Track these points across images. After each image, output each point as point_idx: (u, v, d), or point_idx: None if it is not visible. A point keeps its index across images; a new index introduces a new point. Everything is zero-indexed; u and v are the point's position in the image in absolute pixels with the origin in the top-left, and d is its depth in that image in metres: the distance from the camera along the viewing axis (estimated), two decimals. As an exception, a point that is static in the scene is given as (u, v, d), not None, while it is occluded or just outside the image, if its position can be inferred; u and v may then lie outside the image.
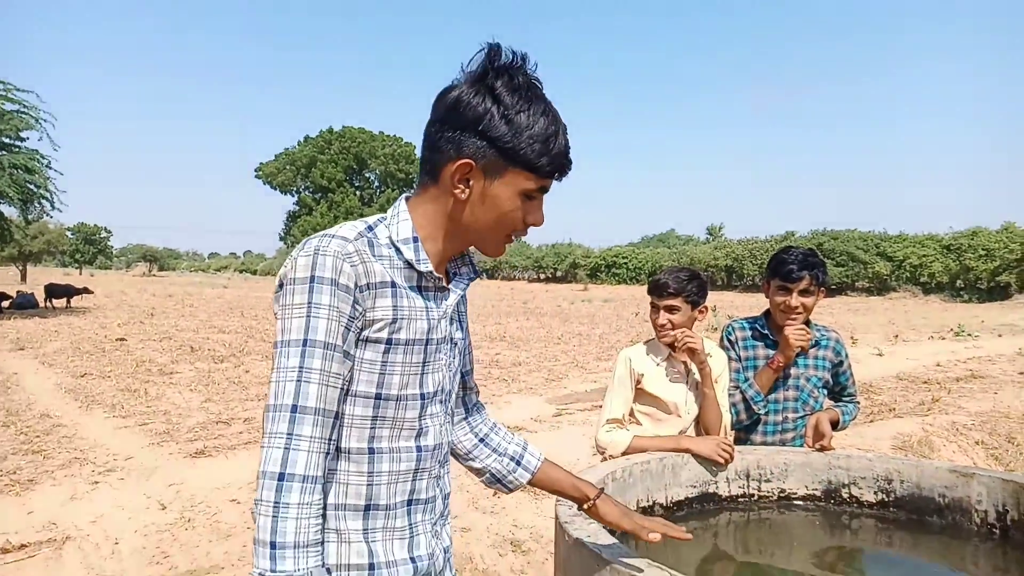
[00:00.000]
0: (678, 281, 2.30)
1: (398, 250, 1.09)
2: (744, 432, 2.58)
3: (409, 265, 1.09)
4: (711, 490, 2.28)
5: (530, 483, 1.38)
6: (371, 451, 1.07)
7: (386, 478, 1.08)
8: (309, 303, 0.99)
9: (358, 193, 40.32)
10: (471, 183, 1.08)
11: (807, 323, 2.54)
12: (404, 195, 1.18)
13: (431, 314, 1.11)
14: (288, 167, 39.56)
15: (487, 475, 1.38)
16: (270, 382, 1.00)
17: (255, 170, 40.09)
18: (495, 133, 1.04)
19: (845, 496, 2.30)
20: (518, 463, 1.37)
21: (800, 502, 2.32)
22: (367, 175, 41.53)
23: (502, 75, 1.05)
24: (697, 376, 2.38)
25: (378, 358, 1.05)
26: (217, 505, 4.32)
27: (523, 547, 3.75)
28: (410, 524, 1.12)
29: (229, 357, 10.61)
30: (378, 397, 1.06)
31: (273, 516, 0.94)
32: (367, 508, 1.07)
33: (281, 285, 1.03)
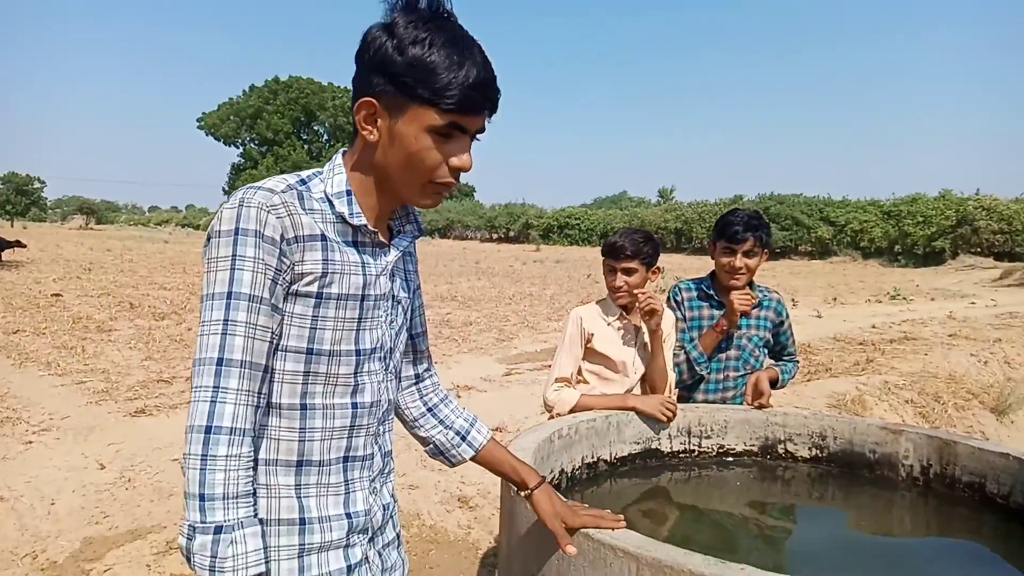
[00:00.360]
0: (635, 244, 2.32)
1: (331, 204, 1.07)
2: (687, 390, 2.64)
3: (342, 219, 1.07)
4: (654, 446, 2.33)
5: (473, 460, 1.38)
6: (303, 407, 1.06)
7: (319, 434, 1.08)
8: (233, 255, 0.97)
9: (306, 147, 39.17)
10: (378, 123, 1.05)
11: (751, 284, 2.59)
12: (342, 149, 1.16)
13: (368, 270, 1.10)
14: (232, 118, 38.09)
15: (431, 446, 1.38)
16: (198, 336, 0.99)
17: (197, 120, 38.62)
18: (392, 68, 1.01)
19: (781, 452, 2.38)
20: (463, 438, 1.36)
21: (738, 457, 2.40)
22: (316, 128, 40.34)
23: (402, 8, 1.02)
24: (646, 337, 2.42)
25: (308, 312, 1.04)
26: (159, 465, 4.25)
27: (470, 503, 3.80)
28: (346, 480, 1.12)
29: (170, 314, 10.34)
30: (309, 352, 1.05)
31: (201, 469, 0.94)
32: (299, 464, 1.07)
33: (209, 239, 1.01)
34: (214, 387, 0.96)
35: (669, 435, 2.36)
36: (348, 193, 1.09)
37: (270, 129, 36.73)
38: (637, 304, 2.33)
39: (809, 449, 2.36)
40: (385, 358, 1.16)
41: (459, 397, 5.72)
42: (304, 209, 1.04)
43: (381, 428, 1.19)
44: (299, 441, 1.07)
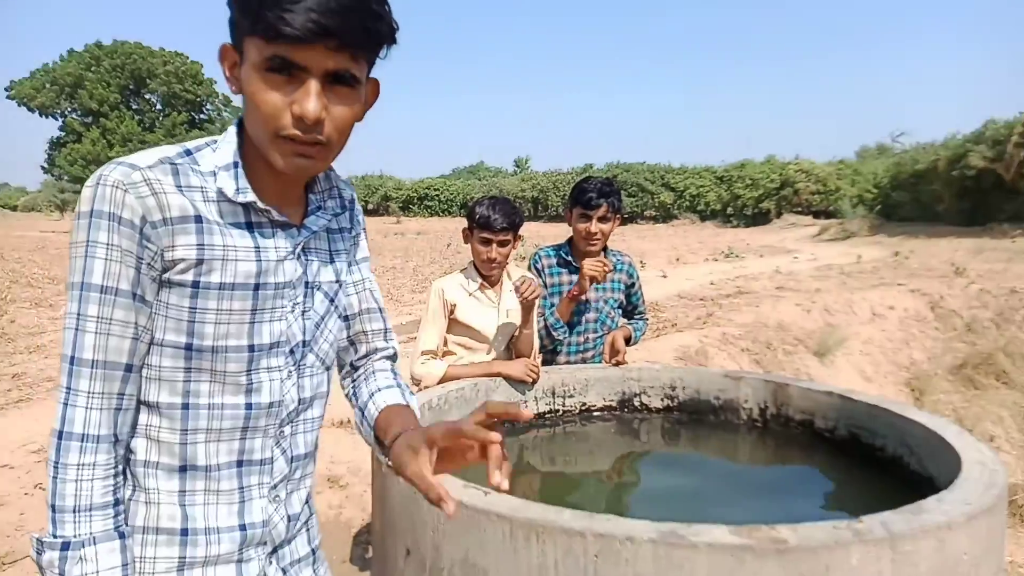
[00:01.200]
0: (508, 216, 2.35)
1: (216, 178, 0.92)
2: (550, 354, 2.75)
3: (225, 197, 0.92)
4: (521, 410, 2.41)
5: (380, 441, 1.08)
6: (185, 406, 0.94)
7: (203, 435, 0.95)
8: (87, 241, 0.86)
9: (137, 117, 35.91)
10: (237, 71, 0.89)
11: (605, 249, 2.72)
12: (241, 114, 0.97)
13: (264, 255, 0.94)
14: (49, 86, 34.03)
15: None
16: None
17: (6, 89, 34.17)
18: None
19: (637, 405, 2.54)
20: (363, 413, 1.12)
21: (599, 413, 2.54)
22: (147, 96, 36.94)
23: None
24: (507, 305, 2.48)
25: (185, 304, 0.91)
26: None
27: (340, 482, 3.75)
28: (240, 488, 0.99)
29: (-14, 306, 9.28)
30: (188, 348, 0.92)
31: (53, 477, 0.87)
32: (183, 468, 0.96)
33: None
34: (66, 388, 0.88)
35: (535, 397, 2.45)
36: (235, 165, 0.93)
37: (94, 99, 33.18)
38: (519, 294, 2.38)
39: (662, 400, 2.53)
40: (295, 352, 1.01)
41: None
42: (179, 186, 0.89)
43: (287, 429, 1.03)
44: (181, 444, 0.95)
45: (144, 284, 0.89)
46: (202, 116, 38.48)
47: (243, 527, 1.00)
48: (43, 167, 37.92)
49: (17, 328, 7.86)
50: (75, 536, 0.86)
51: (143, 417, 0.95)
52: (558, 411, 2.49)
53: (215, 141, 0.96)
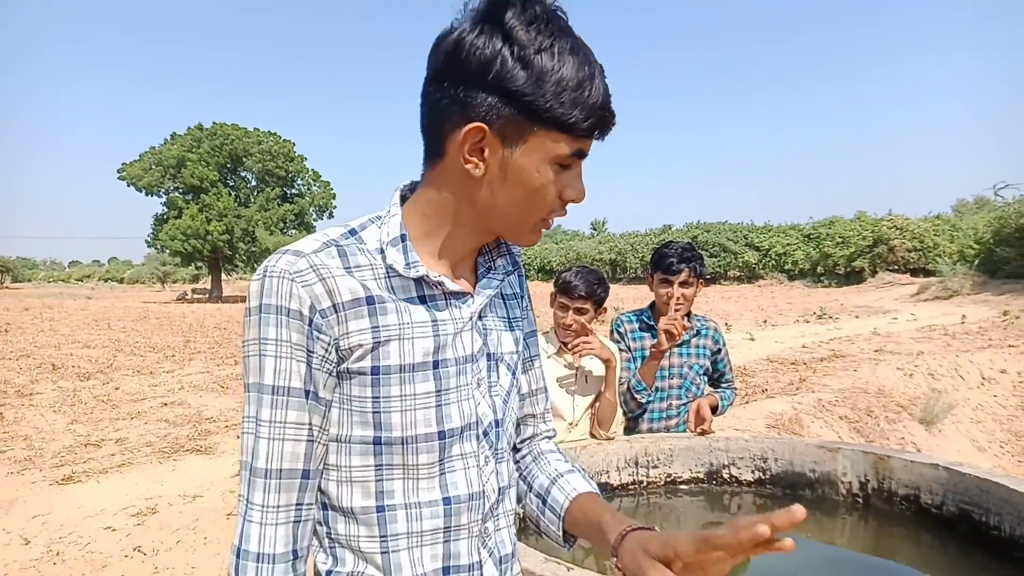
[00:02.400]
0: (589, 285, 2.38)
1: (384, 254, 0.87)
2: (632, 421, 2.68)
3: (396, 272, 0.86)
4: (603, 479, 2.35)
5: (567, 533, 0.98)
6: (380, 509, 0.86)
7: (404, 541, 0.86)
8: (257, 339, 0.81)
9: (233, 193, 38.26)
10: (486, 154, 0.83)
11: (688, 314, 2.66)
12: (398, 186, 0.95)
13: (441, 328, 0.87)
14: (155, 167, 36.76)
15: (531, 525, 1.05)
16: None
17: (118, 171, 37.10)
18: (512, 83, 0.78)
19: (726, 476, 2.43)
20: (544, 501, 1.00)
21: (685, 485, 2.44)
22: (243, 173, 39.49)
23: (513, 5, 0.79)
24: (588, 373, 2.46)
25: (367, 393, 0.84)
26: (90, 535, 4.02)
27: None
28: None
29: (96, 374, 9.88)
30: (376, 442, 0.85)
31: None
32: None
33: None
34: (244, 499, 0.83)
35: (617, 467, 2.38)
36: (402, 239, 0.87)
37: (195, 177, 35.67)
38: (572, 348, 2.39)
39: (752, 472, 2.41)
40: (488, 434, 0.92)
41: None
42: (347, 267, 0.84)
43: (490, 526, 0.93)
44: (382, 553, 0.86)
45: (318, 380, 0.83)
46: (293, 191, 40.64)
47: None
48: (147, 241, 40.66)
49: (121, 395, 8.32)
50: None
51: (341, 526, 0.88)
52: (642, 482, 2.41)
53: (379, 217, 0.91)
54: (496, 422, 0.93)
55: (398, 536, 0.86)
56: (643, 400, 2.60)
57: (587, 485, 1.00)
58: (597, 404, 2.48)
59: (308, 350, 0.82)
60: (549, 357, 2.45)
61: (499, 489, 0.95)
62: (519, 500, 1.04)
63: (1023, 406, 7.72)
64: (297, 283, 0.81)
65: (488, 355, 0.93)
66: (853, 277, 31.29)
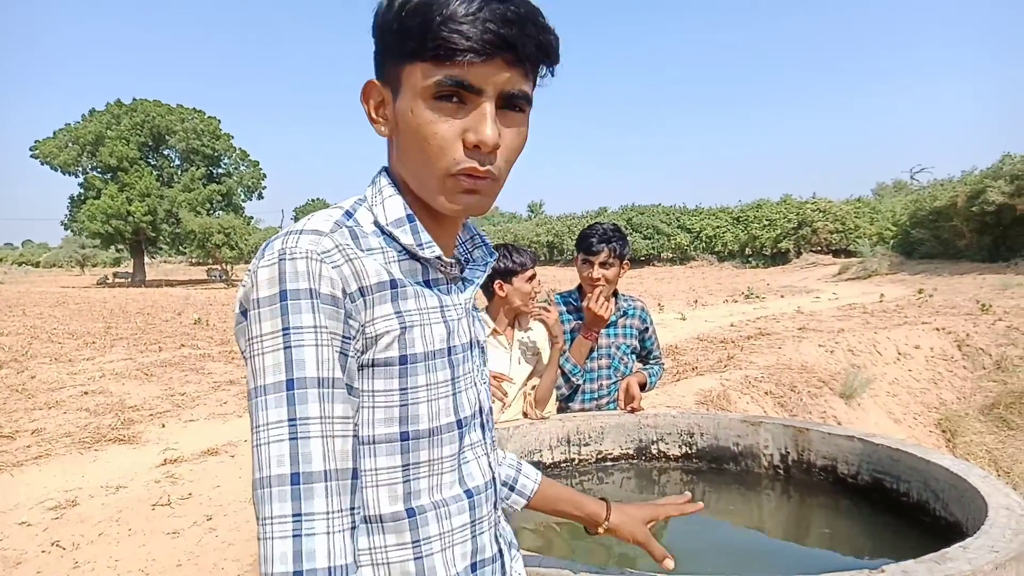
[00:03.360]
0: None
1: (390, 236, 0.81)
2: (563, 402, 2.71)
3: (410, 254, 0.82)
4: (536, 458, 2.36)
5: (529, 508, 1.15)
6: (410, 512, 0.78)
7: (437, 544, 0.80)
8: (285, 329, 0.70)
9: (156, 172, 36.62)
10: (385, 109, 0.80)
11: (615, 294, 2.70)
12: (383, 165, 0.87)
13: (448, 314, 0.83)
14: (71, 145, 34.79)
15: None
16: (252, 448, 0.71)
17: (30, 149, 35.03)
18: (381, 23, 0.76)
19: (655, 452, 2.48)
20: (512, 488, 1.13)
21: (616, 462, 2.47)
22: (165, 152, 37.78)
23: None
24: (519, 350, 2.47)
25: (395, 386, 0.77)
26: (2, 531, 3.83)
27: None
28: None
29: (9, 362, 9.39)
30: (404, 438, 0.78)
31: None
32: None
33: (244, 312, 0.74)
34: (293, 516, 0.68)
35: (550, 445, 2.40)
36: (410, 219, 0.81)
37: (114, 156, 33.92)
38: (531, 313, 2.43)
39: (680, 447, 2.47)
40: (486, 423, 0.90)
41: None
42: (363, 250, 0.77)
43: (497, 514, 0.91)
44: (415, 559, 0.78)
45: (352, 371, 0.75)
46: (219, 170, 39.21)
47: None
48: (63, 223, 38.75)
49: (37, 384, 7.95)
50: None
51: (364, 540, 0.78)
52: (574, 460, 2.44)
53: (364, 199, 0.84)
54: (490, 409, 0.92)
55: (431, 539, 0.79)
56: (577, 382, 2.63)
57: (534, 470, 1.18)
58: (532, 384, 2.49)
59: (343, 337, 0.73)
60: (488, 336, 2.44)
61: (497, 476, 0.93)
62: None
63: (934, 379, 8.17)
64: (327, 264, 0.72)
65: (477, 343, 0.91)
66: (779, 258, 32.39)
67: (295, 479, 0.68)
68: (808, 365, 7.27)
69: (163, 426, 5.98)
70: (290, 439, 0.68)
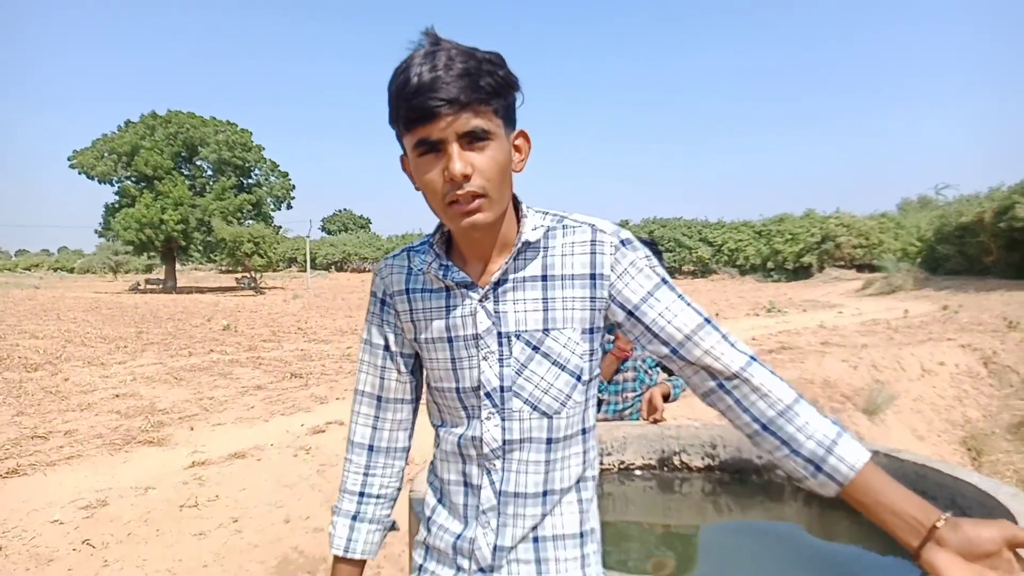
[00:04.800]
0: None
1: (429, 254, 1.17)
2: (588, 411, 2.75)
3: (422, 270, 1.17)
4: (559, 467, 2.40)
5: (846, 497, 0.99)
6: (437, 428, 1.22)
7: (439, 454, 1.22)
8: (367, 311, 1.24)
9: (189, 182, 37.17)
10: (412, 174, 1.08)
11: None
12: None
13: (452, 312, 1.13)
14: (108, 155, 35.36)
15: (785, 472, 1.06)
16: None
17: (69, 159, 35.65)
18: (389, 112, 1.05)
19: (677, 463, 2.51)
20: (819, 468, 0.99)
21: (638, 471, 2.51)
22: (198, 162, 38.37)
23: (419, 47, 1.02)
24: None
25: (423, 354, 1.19)
26: (35, 529, 3.93)
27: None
28: (464, 504, 1.18)
29: (44, 365, 9.60)
30: (429, 386, 1.21)
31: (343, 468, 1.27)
32: (436, 475, 1.24)
33: None
34: (351, 410, 1.26)
35: (573, 455, 2.44)
36: (427, 243, 1.17)
37: (148, 165, 34.46)
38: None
39: (702, 459, 2.50)
40: (490, 396, 1.12)
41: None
42: (410, 267, 1.18)
43: (497, 464, 1.13)
44: (436, 458, 1.23)
45: (388, 336, 1.21)
46: (250, 180, 39.73)
47: (457, 536, 1.17)
48: (97, 231, 39.39)
49: (70, 386, 8.12)
50: (335, 507, 1.25)
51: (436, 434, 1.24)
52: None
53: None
54: (501, 388, 1.11)
55: (439, 449, 1.22)
56: (604, 397, 2.67)
57: (859, 450, 0.98)
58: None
59: (382, 319, 1.21)
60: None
61: (504, 440, 1.12)
62: (757, 445, 1.04)
63: (960, 397, 8.06)
64: (378, 277, 1.21)
65: (499, 333, 1.10)
66: (801, 272, 32.08)
67: (354, 391, 1.27)
68: (831, 380, 7.22)
69: (191, 429, 6.08)
70: (358, 370, 1.27)
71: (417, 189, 1.07)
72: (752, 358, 1.06)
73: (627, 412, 2.73)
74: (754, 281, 33.00)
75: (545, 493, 1.12)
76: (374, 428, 1.24)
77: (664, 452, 2.52)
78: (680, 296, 1.09)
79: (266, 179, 40.15)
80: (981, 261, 20.12)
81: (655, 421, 2.56)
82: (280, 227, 41.71)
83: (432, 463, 1.26)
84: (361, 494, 1.24)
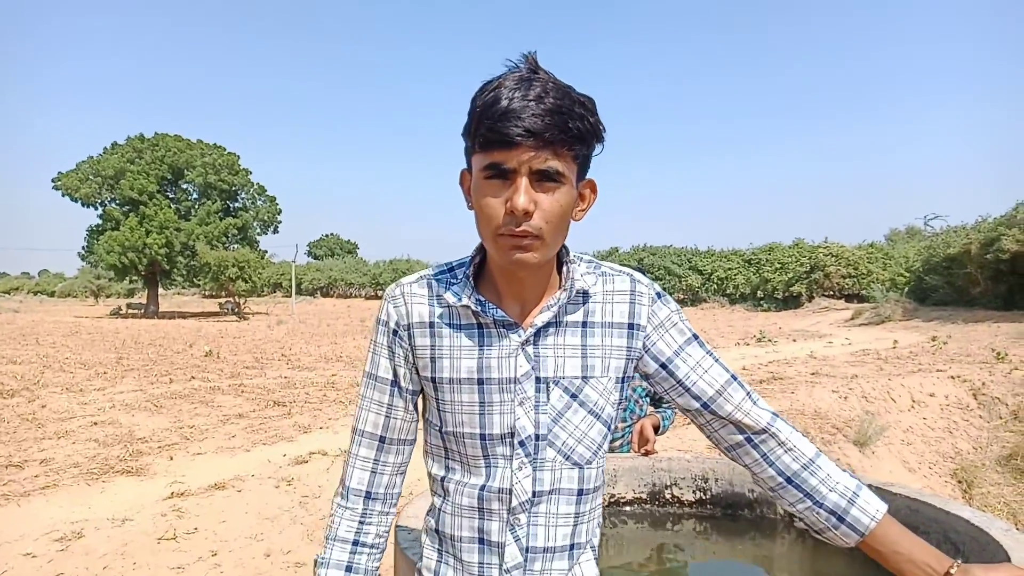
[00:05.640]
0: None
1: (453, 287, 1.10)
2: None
3: (453, 304, 1.07)
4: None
5: (865, 548, 1.08)
6: (442, 480, 1.12)
7: (451, 508, 1.11)
8: (371, 340, 1.14)
9: (174, 205, 36.98)
10: (471, 191, 1.03)
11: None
12: None
13: (486, 352, 1.05)
14: (92, 178, 35.26)
15: (804, 524, 1.13)
16: None
17: (53, 181, 35.49)
18: (465, 127, 1.00)
19: (668, 497, 2.45)
20: (841, 519, 1.07)
21: (629, 506, 2.44)
22: (184, 186, 38.21)
23: (512, 72, 0.99)
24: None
25: (432, 394, 1.10)
26: (6, 562, 3.80)
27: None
28: (480, 563, 1.09)
29: (21, 391, 9.42)
30: (440, 431, 1.11)
31: (330, 513, 1.16)
32: (438, 532, 1.14)
33: None
34: (347, 451, 1.16)
35: (561, 489, 2.37)
36: (466, 276, 1.08)
37: (134, 188, 34.33)
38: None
39: (693, 492, 2.44)
40: (525, 444, 1.06)
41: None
42: (431, 296, 1.09)
43: (522, 518, 1.08)
44: (439, 511, 1.13)
45: (399, 372, 1.12)
46: (236, 204, 39.59)
47: None
48: (80, 254, 39.11)
49: (47, 413, 7.96)
50: (320, 557, 1.14)
51: (430, 483, 1.16)
52: (586, 503, 2.41)
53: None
54: (536, 436, 1.06)
55: (448, 503, 1.11)
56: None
57: (877, 501, 1.08)
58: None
59: (392, 351, 1.11)
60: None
61: (533, 491, 1.07)
62: (776, 497, 1.12)
63: (950, 428, 8.03)
64: (391, 305, 1.11)
65: (537, 378, 1.06)
66: (791, 302, 32.24)
67: (352, 429, 1.16)
68: (821, 411, 7.19)
69: (171, 459, 5.96)
70: (358, 406, 1.16)
71: (470, 208, 1.04)
72: (775, 414, 1.13)
73: (617, 444, 2.67)
74: (744, 310, 33.11)
75: (572, 547, 1.10)
76: (373, 472, 1.14)
77: (655, 485, 2.46)
78: (709, 352, 1.15)
79: (252, 203, 39.96)
80: (969, 292, 20.28)
81: (646, 453, 2.50)
82: (266, 251, 41.47)
83: (429, 517, 1.16)
84: (355, 543, 1.14)
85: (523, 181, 0.94)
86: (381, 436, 1.13)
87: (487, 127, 0.93)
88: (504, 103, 0.93)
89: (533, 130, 0.92)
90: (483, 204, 0.97)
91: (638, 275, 1.15)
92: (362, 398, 1.14)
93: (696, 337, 1.15)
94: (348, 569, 1.13)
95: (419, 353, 1.08)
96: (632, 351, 1.11)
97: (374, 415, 1.13)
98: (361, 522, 1.14)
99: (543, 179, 0.95)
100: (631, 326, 1.10)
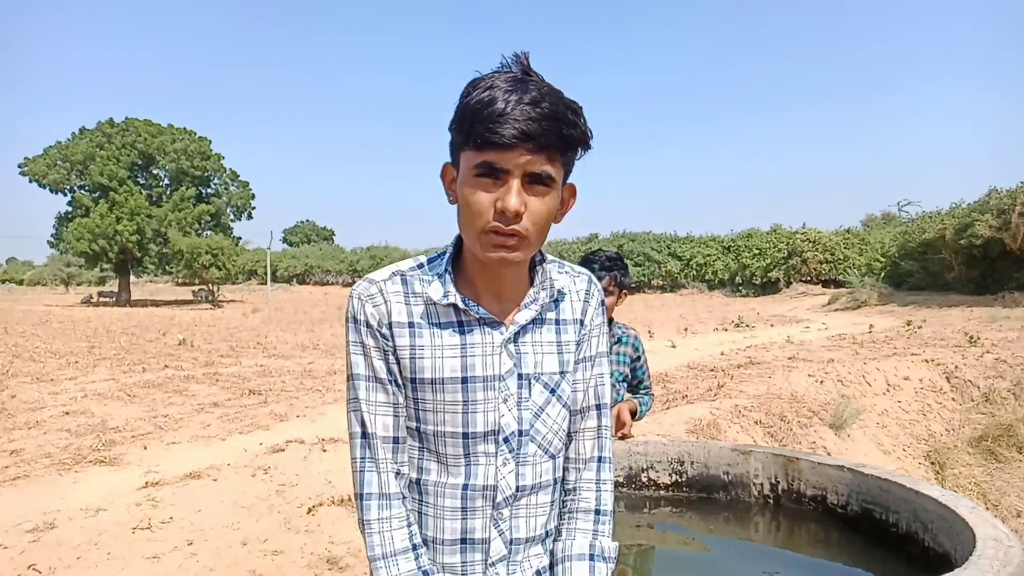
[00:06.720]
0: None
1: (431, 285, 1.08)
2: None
3: (434, 301, 1.06)
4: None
5: None
6: (419, 482, 1.10)
7: (432, 511, 1.10)
8: (348, 341, 1.08)
9: (145, 192, 36.22)
10: (453, 184, 1.04)
11: (610, 321, 2.68)
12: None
13: (470, 351, 1.06)
14: (61, 163, 34.45)
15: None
16: None
17: (19, 166, 34.66)
18: (453, 119, 1.01)
19: (644, 480, 2.46)
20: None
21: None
22: (155, 172, 37.41)
23: (499, 69, 1.02)
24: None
25: (412, 394, 1.08)
26: (-28, 555, 3.73)
27: (340, 563, 3.62)
28: (463, 562, 1.10)
29: (-10, 381, 9.25)
30: (418, 431, 1.09)
31: (366, 533, 1.06)
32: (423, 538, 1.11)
33: None
34: (353, 458, 1.07)
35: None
36: (447, 272, 1.08)
37: (104, 175, 33.56)
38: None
39: (670, 475, 2.45)
40: (509, 440, 1.08)
41: (323, 452, 5.49)
42: (407, 294, 1.07)
43: (506, 512, 1.10)
44: (420, 514, 1.10)
45: (394, 371, 1.08)
46: (209, 190, 38.89)
47: None
48: (49, 242, 38.39)
49: (17, 403, 7.82)
50: None
51: (411, 490, 1.11)
52: (562, 488, 2.41)
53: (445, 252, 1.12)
54: (519, 432, 1.09)
55: (428, 506, 1.09)
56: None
57: None
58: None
59: (383, 349, 1.06)
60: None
61: (517, 487, 1.10)
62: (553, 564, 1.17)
63: (924, 411, 8.16)
64: (368, 304, 1.06)
65: (519, 375, 1.08)
66: (769, 287, 32.54)
67: (352, 436, 1.08)
68: (798, 395, 7.26)
69: (145, 448, 5.88)
70: (350, 412, 1.08)
71: (451, 203, 1.05)
72: (601, 461, 1.19)
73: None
74: (722, 296, 33.37)
75: (547, 533, 1.16)
76: (398, 475, 1.08)
77: (632, 469, 2.46)
78: (601, 375, 1.20)
79: (225, 189, 39.20)
80: (943, 277, 20.58)
81: (623, 437, 2.50)
82: (240, 238, 40.86)
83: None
84: (415, 547, 1.07)
85: (516, 183, 0.96)
86: (395, 437, 1.09)
87: (484, 128, 0.94)
88: (500, 104, 0.94)
89: (530, 134, 0.94)
90: (471, 201, 0.98)
91: (594, 277, 1.20)
92: (362, 402, 1.07)
93: (602, 355, 1.20)
94: (426, 573, 1.07)
95: (400, 354, 1.06)
96: (582, 348, 1.16)
97: (382, 417, 1.07)
98: (409, 524, 1.08)
99: (535, 182, 0.98)
100: (580, 322, 1.15)
